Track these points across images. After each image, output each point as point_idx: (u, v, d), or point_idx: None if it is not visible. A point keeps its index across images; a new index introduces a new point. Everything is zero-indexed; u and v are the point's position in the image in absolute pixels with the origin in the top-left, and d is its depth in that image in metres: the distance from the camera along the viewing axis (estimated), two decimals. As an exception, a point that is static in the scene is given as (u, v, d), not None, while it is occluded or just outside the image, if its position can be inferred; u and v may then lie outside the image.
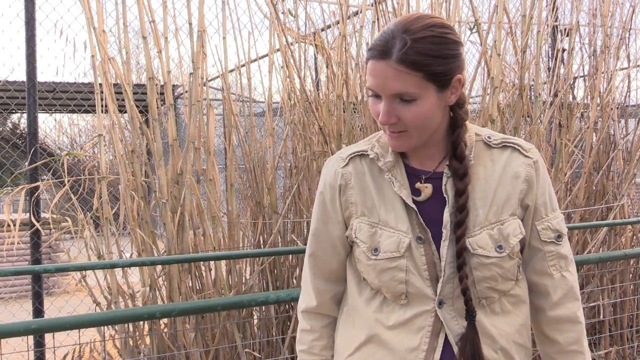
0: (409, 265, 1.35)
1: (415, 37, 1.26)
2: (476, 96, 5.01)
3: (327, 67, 3.84)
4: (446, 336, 1.35)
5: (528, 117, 3.81)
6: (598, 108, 4.49)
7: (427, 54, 1.26)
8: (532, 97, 3.75)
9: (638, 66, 5.21)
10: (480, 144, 1.41)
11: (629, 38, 4.78)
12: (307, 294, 1.55)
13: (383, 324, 1.39)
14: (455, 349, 1.34)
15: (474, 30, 3.79)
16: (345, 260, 1.50)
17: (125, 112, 3.34)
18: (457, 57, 1.31)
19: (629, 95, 5.07)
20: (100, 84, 3.28)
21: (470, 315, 1.33)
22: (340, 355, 1.48)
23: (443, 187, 1.37)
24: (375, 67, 1.29)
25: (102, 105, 3.30)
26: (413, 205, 1.36)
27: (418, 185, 1.39)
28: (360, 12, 3.78)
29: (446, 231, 1.34)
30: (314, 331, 1.53)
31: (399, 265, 1.35)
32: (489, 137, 1.41)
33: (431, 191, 1.38)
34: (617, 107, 4.78)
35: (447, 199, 1.36)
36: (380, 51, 1.28)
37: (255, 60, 3.99)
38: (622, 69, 4.94)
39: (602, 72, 4.53)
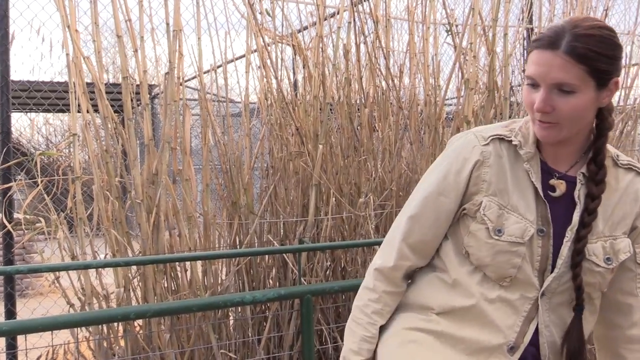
0: (526, 253, 1.42)
1: (585, 33, 1.32)
2: (452, 98, 5.06)
3: (304, 67, 3.85)
4: (537, 324, 1.43)
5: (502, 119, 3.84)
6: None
7: (594, 50, 1.31)
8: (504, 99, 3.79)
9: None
10: (609, 160, 1.47)
11: (602, 41, 4.83)
12: (388, 253, 1.55)
13: (485, 296, 1.45)
14: (542, 337, 1.43)
15: (449, 33, 3.82)
16: (439, 238, 1.53)
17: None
18: (619, 60, 1.37)
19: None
20: (75, 83, 3.25)
21: (579, 308, 1.44)
22: (431, 308, 1.52)
23: (576, 191, 1.44)
24: (540, 56, 1.34)
25: (76, 105, 3.27)
26: (545, 200, 1.43)
27: (553, 181, 1.44)
28: (338, 13, 3.79)
29: (571, 232, 1.42)
30: (375, 292, 1.55)
31: (518, 251, 1.41)
32: (617, 156, 1.48)
33: (564, 189, 1.44)
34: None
35: (578, 203, 1.43)
36: (549, 42, 1.33)
37: (232, 60, 3.98)
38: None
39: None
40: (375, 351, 1.56)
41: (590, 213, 1.40)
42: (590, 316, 1.49)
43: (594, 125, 1.46)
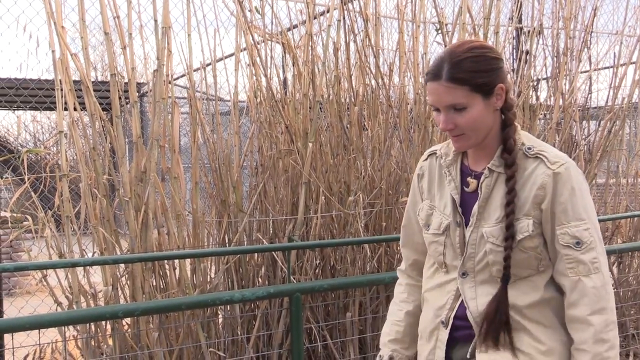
0: (446, 241, 1.73)
1: (459, 59, 1.59)
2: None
3: (293, 65, 3.84)
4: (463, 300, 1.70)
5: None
6: (560, 109, 4.57)
7: (469, 70, 1.58)
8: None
9: (599, 69, 5.31)
10: (520, 152, 1.67)
11: (590, 41, 4.87)
12: (403, 258, 1.99)
13: (429, 286, 1.81)
14: (468, 310, 1.67)
15: (438, 32, 3.83)
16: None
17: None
18: (497, 70, 1.62)
19: (590, 97, 5.17)
20: (61, 81, 3.22)
21: (505, 280, 1.63)
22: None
23: (480, 184, 1.68)
24: (431, 87, 1.63)
25: (63, 102, 3.25)
26: (456, 197, 1.72)
27: (469, 179, 1.72)
28: (328, 11, 3.78)
29: (473, 219, 1.68)
30: (401, 285, 1.98)
31: (439, 240, 1.75)
32: (528, 149, 1.66)
33: (475, 186, 1.70)
34: (579, 109, 4.86)
35: (479, 193, 1.68)
36: (433, 74, 1.62)
37: (221, 58, 3.96)
38: (584, 71, 5.03)
39: (565, 74, 4.61)
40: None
41: (509, 192, 1.61)
42: (530, 290, 1.64)
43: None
